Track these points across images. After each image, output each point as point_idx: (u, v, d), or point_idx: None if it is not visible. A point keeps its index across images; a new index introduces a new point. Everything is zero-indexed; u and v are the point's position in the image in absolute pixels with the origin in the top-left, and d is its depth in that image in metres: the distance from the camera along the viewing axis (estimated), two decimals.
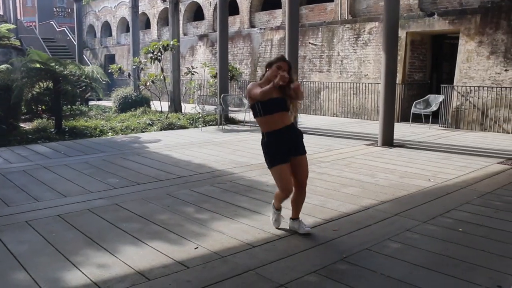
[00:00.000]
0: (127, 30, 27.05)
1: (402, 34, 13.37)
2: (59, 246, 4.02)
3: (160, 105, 14.72)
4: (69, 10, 35.20)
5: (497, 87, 11.42)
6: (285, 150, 4.07)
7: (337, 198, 5.57)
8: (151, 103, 16.09)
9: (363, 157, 8.18)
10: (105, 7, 28.65)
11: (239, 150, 8.83)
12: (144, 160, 7.82)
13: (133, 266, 3.60)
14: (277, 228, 4.41)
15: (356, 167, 7.36)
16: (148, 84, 14.53)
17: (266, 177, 6.31)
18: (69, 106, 13.73)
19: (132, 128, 11.65)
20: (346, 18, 15.45)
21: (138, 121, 12.49)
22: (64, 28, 29.94)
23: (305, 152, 4.20)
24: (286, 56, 11.33)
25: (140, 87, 15.48)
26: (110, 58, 27.70)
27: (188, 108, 15.46)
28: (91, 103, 18.43)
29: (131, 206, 5.22)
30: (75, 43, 24.52)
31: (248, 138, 10.48)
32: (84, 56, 25.99)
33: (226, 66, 13.60)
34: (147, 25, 25.78)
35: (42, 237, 4.24)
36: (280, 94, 4.04)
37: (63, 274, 3.48)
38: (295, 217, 4.36)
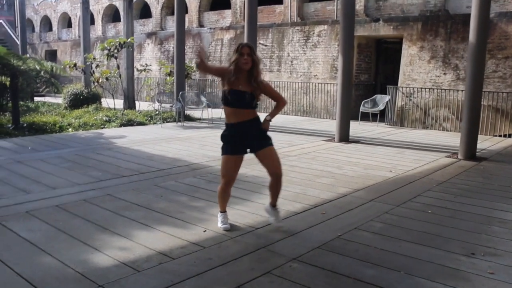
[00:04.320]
0: (69, 26, 26.36)
1: None
2: (72, 233, 4.21)
3: (114, 102, 14.64)
4: (4, 2, 33.45)
5: (437, 89, 12.49)
6: (237, 144, 4.20)
7: (315, 187, 6.08)
8: (102, 100, 15.94)
9: (325, 152, 8.77)
10: (45, 1, 27.68)
11: (206, 145, 9.14)
12: (118, 155, 7.95)
13: (152, 248, 3.88)
14: (225, 230, 4.32)
15: (322, 160, 7.93)
16: (100, 80, 14.43)
17: (243, 169, 6.64)
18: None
19: (91, 124, 11.60)
20: (295, 20, 16.12)
21: (95, 117, 12.42)
22: (1, 21, 28.52)
23: (267, 146, 4.25)
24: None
25: (92, 84, 15.30)
26: (51, 54, 26.81)
27: (141, 105, 15.51)
28: (36, 99, 17.91)
29: (125, 196, 5.44)
30: (15, 37, 23.52)
31: (211, 134, 10.78)
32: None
33: (183, 64, 13.81)
34: (91, 21, 25.22)
35: (50, 226, 4.40)
36: (246, 86, 4.10)
37: (89, 256, 3.71)
38: (271, 204, 4.46)
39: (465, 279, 3.44)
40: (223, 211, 4.49)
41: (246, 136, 4.22)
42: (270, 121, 4.32)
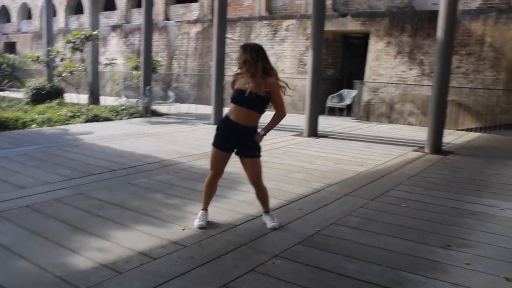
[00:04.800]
0: (29, 17, 25.47)
1: None
2: (46, 235, 4.06)
3: (78, 97, 14.26)
4: None
5: (402, 84, 12.75)
6: (227, 141, 4.20)
7: (289, 182, 6.11)
8: (65, 95, 15.50)
9: (295, 146, 8.82)
10: None
11: (176, 141, 9.02)
12: (86, 152, 7.75)
13: (132, 248, 3.80)
14: (199, 228, 4.26)
15: (293, 155, 7.97)
16: (64, 74, 14.01)
17: None
18: None
19: (55, 120, 11.27)
20: (263, 14, 16.10)
21: (59, 113, 12.07)
22: None
23: (253, 156, 4.25)
24: (214, 49, 11.64)
25: (55, 78, 14.83)
26: (10, 46, 25.80)
27: (106, 100, 15.17)
28: None
29: (98, 195, 5.30)
30: None
31: (179, 130, 10.62)
32: None
33: (150, 58, 13.58)
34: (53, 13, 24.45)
35: (22, 228, 4.22)
36: (247, 85, 4.04)
37: (67, 259, 3.59)
38: (265, 212, 4.48)
39: (443, 271, 3.54)
40: (205, 208, 4.43)
41: (234, 138, 4.19)
42: (265, 135, 4.27)
